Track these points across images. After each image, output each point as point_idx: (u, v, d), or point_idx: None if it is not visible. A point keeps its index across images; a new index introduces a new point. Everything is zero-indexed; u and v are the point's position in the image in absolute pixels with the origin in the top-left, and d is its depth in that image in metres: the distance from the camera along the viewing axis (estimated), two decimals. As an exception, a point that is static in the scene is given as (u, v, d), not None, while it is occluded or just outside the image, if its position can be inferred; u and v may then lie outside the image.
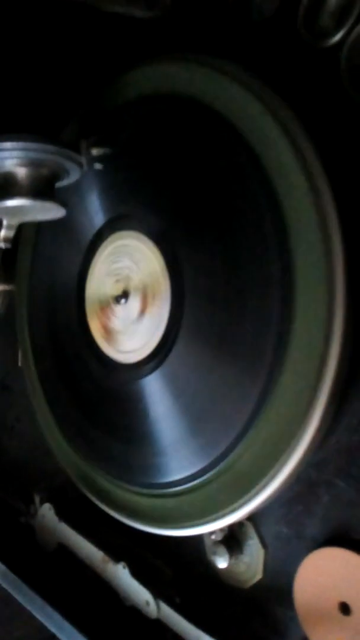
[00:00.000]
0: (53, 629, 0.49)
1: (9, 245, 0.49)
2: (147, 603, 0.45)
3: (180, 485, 0.41)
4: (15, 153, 0.39)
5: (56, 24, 0.49)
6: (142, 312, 0.43)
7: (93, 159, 0.44)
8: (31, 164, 0.41)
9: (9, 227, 0.47)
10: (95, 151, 0.44)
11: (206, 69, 0.39)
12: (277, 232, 0.35)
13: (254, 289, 0.36)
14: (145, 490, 0.44)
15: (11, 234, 0.48)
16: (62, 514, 0.55)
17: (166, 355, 0.41)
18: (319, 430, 0.35)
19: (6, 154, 0.39)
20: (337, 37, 0.35)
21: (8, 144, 0.39)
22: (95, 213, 0.47)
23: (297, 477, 0.37)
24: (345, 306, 0.34)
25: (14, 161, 0.40)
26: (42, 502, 0.57)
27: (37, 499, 0.57)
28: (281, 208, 0.35)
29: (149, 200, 0.43)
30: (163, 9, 0.45)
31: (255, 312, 0.36)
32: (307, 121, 0.36)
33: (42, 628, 0.53)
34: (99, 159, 0.44)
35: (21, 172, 0.41)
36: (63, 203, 0.42)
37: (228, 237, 0.38)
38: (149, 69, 0.42)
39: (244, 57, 0.39)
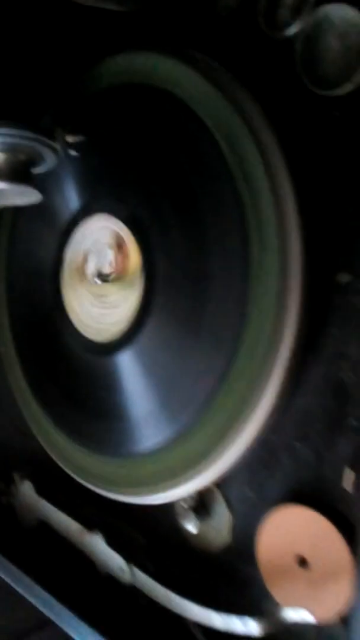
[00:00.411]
0: (30, 598, 0.51)
1: (-12, 229, 0.51)
2: (122, 569, 0.47)
3: (150, 454, 0.43)
4: (-8, 138, 0.41)
5: (35, 15, 0.51)
6: (115, 293, 0.45)
7: (68, 146, 0.46)
8: (8, 149, 0.43)
9: (-13, 211, 0.49)
10: (70, 138, 0.46)
11: (172, 59, 0.41)
12: (238, 218, 0.37)
13: (217, 271, 0.39)
14: (118, 461, 0.46)
15: (-10, 218, 0.50)
16: (41, 492, 0.57)
17: (137, 335, 0.44)
18: (277, 396, 0.37)
19: (-17, 139, 0.41)
20: (294, 28, 0.37)
21: (-15, 130, 0.41)
22: (71, 197, 0.49)
23: (259, 442, 0.39)
24: (300, 280, 0.36)
25: (-9, 146, 0.42)
26: (22, 481, 0.59)
27: (17, 477, 0.59)
28: (240, 192, 0.37)
29: (121, 184, 0.45)
30: (136, 3, 0.47)
31: (218, 293, 0.39)
32: (267, 110, 0.38)
33: (30, 617, 0.55)
34: (73, 146, 0.47)
35: (-1, 157, 0.43)
36: (40, 187, 0.44)
37: (192, 222, 0.40)
38: (119, 60, 0.44)
39: (210, 49, 0.42)
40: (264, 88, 0.39)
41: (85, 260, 0.47)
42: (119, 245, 0.45)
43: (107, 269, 0.46)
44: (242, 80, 0.39)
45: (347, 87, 0.35)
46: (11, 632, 0.60)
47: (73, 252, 0.49)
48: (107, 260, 0.46)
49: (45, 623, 0.56)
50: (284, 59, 0.38)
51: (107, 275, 0.46)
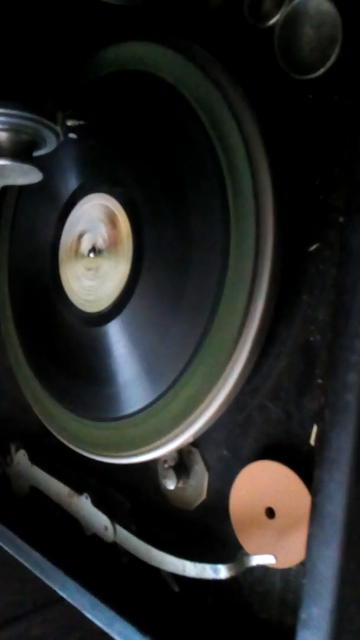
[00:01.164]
0: (20, 558, 0.54)
1: (-8, 206, 0.54)
2: (105, 528, 0.50)
3: (135, 415, 0.46)
4: (-3, 118, 0.45)
5: (41, 3, 0.55)
6: (106, 267, 0.48)
7: (68, 129, 0.50)
8: (12, 129, 0.46)
9: (-8, 189, 0.53)
10: (70, 122, 0.50)
11: (168, 49, 0.44)
12: (219, 190, 0.40)
13: (198, 241, 0.42)
14: (104, 424, 0.49)
15: (-6, 195, 0.53)
16: (35, 460, 0.59)
17: (124, 306, 0.47)
18: (250, 359, 0.40)
19: (-11, 118, 0.45)
20: (274, 19, 0.41)
21: (-9, 109, 0.44)
22: (70, 178, 0.52)
23: (233, 402, 0.42)
24: (272, 248, 0.39)
25: (-3, 126, 0.46)
26: (17, 451, 0.61)
27: (12, 447, 0.62)
28: (220, 166, 0.40)
29: (113, 164, 0.48)
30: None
31: (198, 268, 0.42)
32: (248, 92, 0.42)
33: (32, 596, 0.57)
34: (73, 129, 0.50)
35: (3, 136, 0.46)
36: (41, 167, 0.47)
37: (178, 195, 0.43)
38: (117, 49, 0.48)
39: (199, 38, 0.45)
40: (246, 72, 0.43)
41: (80, 236, 0.51)
42: (112, 221, 0.48)
43: (100, 244, 0.49)
44: (227, 65, 0.43)
45: (320, 72, 0.39)
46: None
47: (70, 229, 0.52)
48: (100, 235, 0.49)
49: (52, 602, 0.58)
50: (265, 47, 0.42)
51: (100, 250, 0.49)
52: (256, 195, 0.38)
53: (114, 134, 0.49)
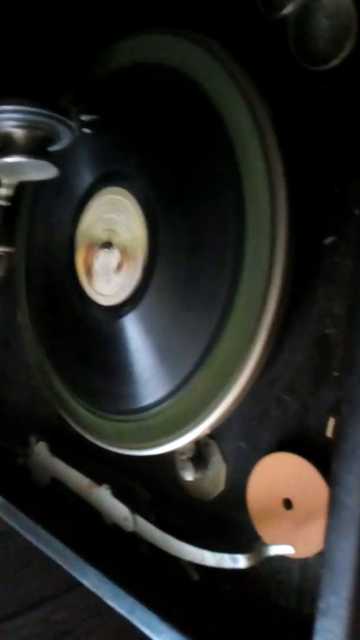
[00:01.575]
0: (42, 547, 0.55)
1: (8, 204, 0.55)
2: (125, 518, 0.50)
3: (153, 408, 0.47)
4: (13, 115, 0.45)
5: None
6: (121, 264, 0.49)
7: (83, 124, 0.50)
8: (27, 125, 0.47)
9: (8, 186, 0.53)
10: (84, 117, 0.50)
11: (184, 41, 0.44)
12: (234, 197, 0.41)
13: (212, 235, 0.42)
14: (122, 417, 0.49)
15: (10, 192, 0.54)
16: (55, 451, 0.61)
17: (140, 300, 0.47)
18: (266, 352, 0.40)
19: (5, 115, 0.45)
20: (288, 9, 0.40)
21: (8, 107, 0.45)
22: (85, 172, 0.53)
23: (249, 395, 0.42)
24: (287, 242, 0.39)
25: (12, 122, 0.46)
26: (37, 442, 0.63)
27: (32, 439, 0.63)
28: (236, 159, 0.41)
29: (132, 161, 0.49)
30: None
31: (213, 260, 0.42)
32: (262, 85, 0.41)
33: (54, 582, 0.59)
34: (88, 124, 0.50)
35: (18, 132, 0.47)
36: (56, 163, 0.48)
37: (195, 198, 0.43)
38: (131, 42, 0.48)
39: (209, 28, 0.45)
40: (258, 64, 0.42)
41: (96, 231, 0.51)
42: (126, 215, 0.48)
43: (114, 238, 0.50)
44: (238, 57, 0.42)
45: (335, 63, 0.38)
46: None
47: (85, 224, 0.52)
48: (115, 229, 0.49)
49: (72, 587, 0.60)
50: (278, 37, 0.41)
51: (115, 244, 0.49)
52: (271, 188, 0.38)
53: (129, 129, 0.49)
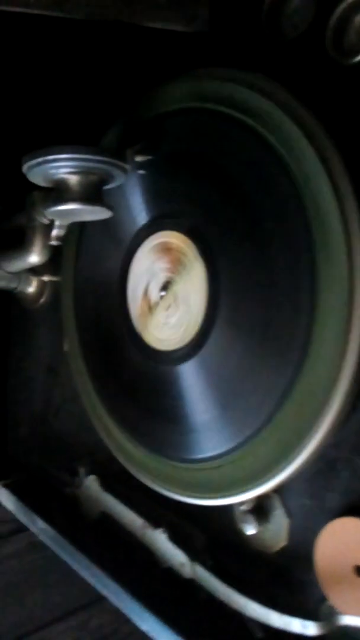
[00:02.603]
0: (98, 587, 0.55)
1: (60, 243, 0.54)
2: (182, 564, 0.50)
3: (212, 460, 0.46)
4: (69, 163, 0.44)
5: (97, 38, 0.54)
6: (176, 311, 0.48)
7: (137, 166, 0.49)
8: (82, 172, 0.46)
9: (60, 227, 0.53)
10: (138, 158, 0.49)
11: (246, 88, 0.42)
12: (305, 237, 0.39)
13: (283, 288, 0.41)
14: (181, 464, 0.49)
15: (62, 232, 0.53)
16: (105, 485, 0.60)
17: (202, 345, 0.46)
18: (339, 412, 0.39)
19: (61, 163, 0.44)
20: (362, 56, 0.38)
21: (65, 155, 0.43)
22: (138, 212, 0.51)
23: (319, 455, 0.41)
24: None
25: (67, 169, 0.45)
26: (86, 475, 0.62)
27: (81, 471, 0.63)
28: (307, 212, 0.39)
29: (188, 202, 0.47)
30: (201, 24, 0.49)
31: (283, 305, 0.41)
32: (334, 133, 0.39)
33: (87, 590, 0.60)
34: (142, 165, 0.49)
35: (73, 179, 0.46)
36: (110, 206, 0.47)
37: (260, 239, 0.42)
38: (190, 83, 0.46)
39: (276, 72, 0.43)
40: (331, 113, 0.40)
41: (151, 273, 0.50)
42: (180, 261, 0.47)
43: (171, 281, 0.48)
44: (304, 100, 0.40)
45: None
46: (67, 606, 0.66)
47: (138, 265, 0.51)
48: (174, 276, 0.48)
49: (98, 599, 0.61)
50: (353, 84, 0.39)
51: (172, 291, 0.48)
52: (345, 227, 0.37)
53: (187, 170, 0.47)
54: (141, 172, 0.49)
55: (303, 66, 0.42)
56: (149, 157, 0.48)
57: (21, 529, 0.73)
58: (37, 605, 0.66)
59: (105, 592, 0.55)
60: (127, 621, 0.68)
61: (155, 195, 0.50)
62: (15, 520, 0.71)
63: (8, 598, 0.66)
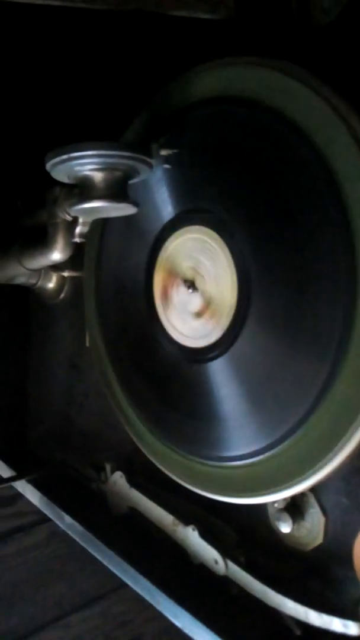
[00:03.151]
0: (132, 585, 0.56)
1: (84, 240, 0.53)
2: (216, 561, 0.50)
3: (245, 459, 0.45)
4: (95, 159, 0.43)
5: (120, 28, 0.52)
6: (202, 312, 0.47)
7: (162, 160, 0.48)
8: (107, 168, 0.44)
9: (84, 224, 0.52)
10: (164, 152, 0.48)
11: (278, 73, 0.41)
12: (342, 230, 0.38)
13: (319, 286, 0.40)
14: (212, 463, 0.48)
15: (86, 229, 0.52)
16: (131, 481, 0.60)
17: (233, 343, 0.45)
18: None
19: (87, 160, 0.43)
20: None
21: (90, 152, 0.42)
22: (164, 207, 0.50)
23: (356, 454, 0.40)
24: None
25: (92, 166, 0.44)
26: (112, 471, 0.62)
27: (108, 467, 0.63)
28: (345, 205, 0.38)
29: (217, 196, 0.46)
30: (226, 11, 0.47)
31: (320, 304, 0.40)
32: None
33: (107, 578, 0.61)
34: (167, 159, 0.48)
35: (98, 176, 0.44)
36: (135, 202, 0.46)
37: (294, 234, 0.41)
38: (217, 72, 0.44)
39: (305, 59, 0.41)
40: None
41: (181, 262, 0.49)
42: (216, 262, 0.46)
43: (200, 283, 0.47)
44: (342, 91, 0.39)
45: None
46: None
47: (165, 262, 0.50)
48: (202, 275, 0.47)
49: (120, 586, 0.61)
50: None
51: (200, 290, 0.47)
52: None
53: (217, 165, 0.46)
54: (166, 166, 0.48)
55: (334, 53, 0.41)
56: (175, 151, 0.47)
57: (41, 521, 0.74)
58: (60, 594, 0.67)
59: (138, 589, 0.55)
60: (146, 608, 0.69)
61: (181, 189, 0.49)
62: (35, 512, 0.72)
63: (31, 589, 0.67)
